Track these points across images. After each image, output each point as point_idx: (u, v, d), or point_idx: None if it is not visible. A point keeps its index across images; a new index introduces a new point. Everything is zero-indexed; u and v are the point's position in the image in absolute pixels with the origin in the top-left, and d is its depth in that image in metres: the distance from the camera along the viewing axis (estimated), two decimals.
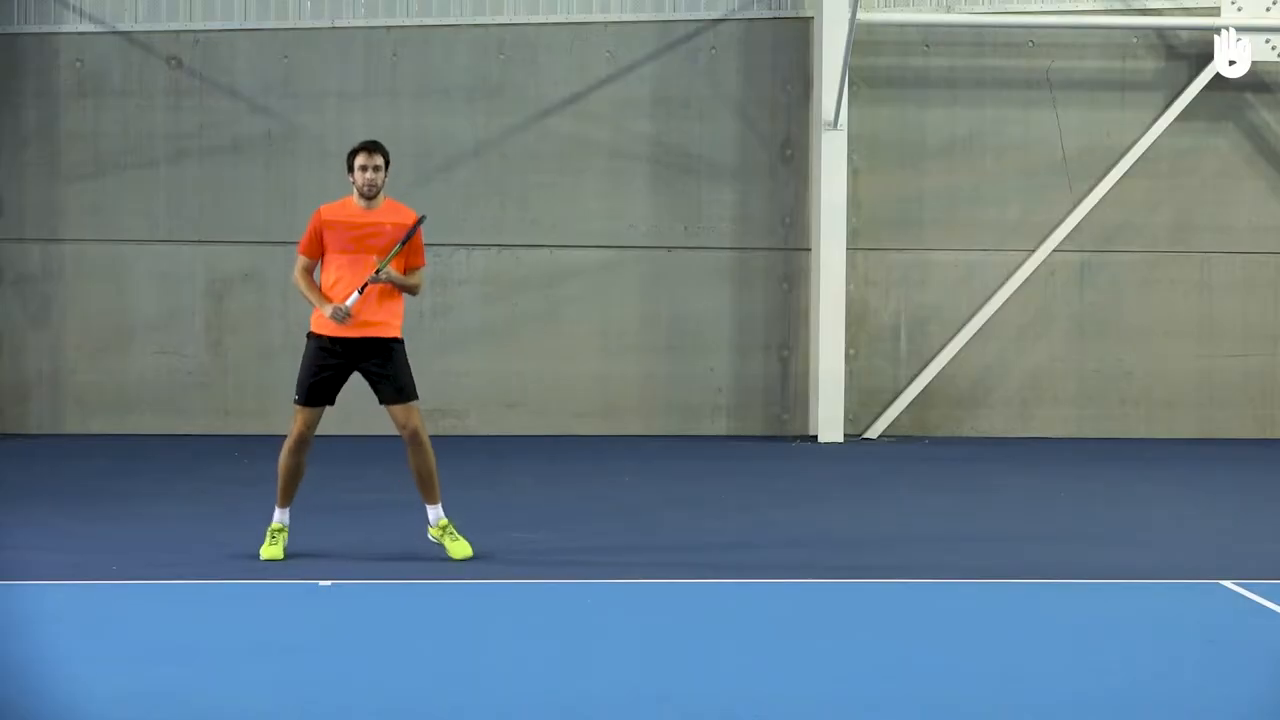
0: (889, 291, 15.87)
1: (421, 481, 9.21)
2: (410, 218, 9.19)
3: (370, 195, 9.13)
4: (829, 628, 7.67)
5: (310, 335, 9.22)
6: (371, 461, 13.41)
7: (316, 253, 9.20)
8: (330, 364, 9.12)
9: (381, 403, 9.23)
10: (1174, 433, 16.03)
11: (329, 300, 9.06)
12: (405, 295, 9.25)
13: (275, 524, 9.20)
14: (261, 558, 9.05)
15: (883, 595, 8.44)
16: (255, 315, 15.44)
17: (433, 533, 9.26)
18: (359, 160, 9.13)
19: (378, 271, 9.01)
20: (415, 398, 9.21)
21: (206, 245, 15.41)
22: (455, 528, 9.25)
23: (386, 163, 9.20)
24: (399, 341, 9.21)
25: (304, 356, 9.23)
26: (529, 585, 8.49)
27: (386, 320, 9.16)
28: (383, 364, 9.14)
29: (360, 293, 9.01)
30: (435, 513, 9.25)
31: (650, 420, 15.71)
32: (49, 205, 15.32)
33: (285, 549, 9.15)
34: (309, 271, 9.25)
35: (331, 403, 9.24)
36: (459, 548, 9.16)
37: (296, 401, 9.16)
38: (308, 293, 9.17)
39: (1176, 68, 15.94)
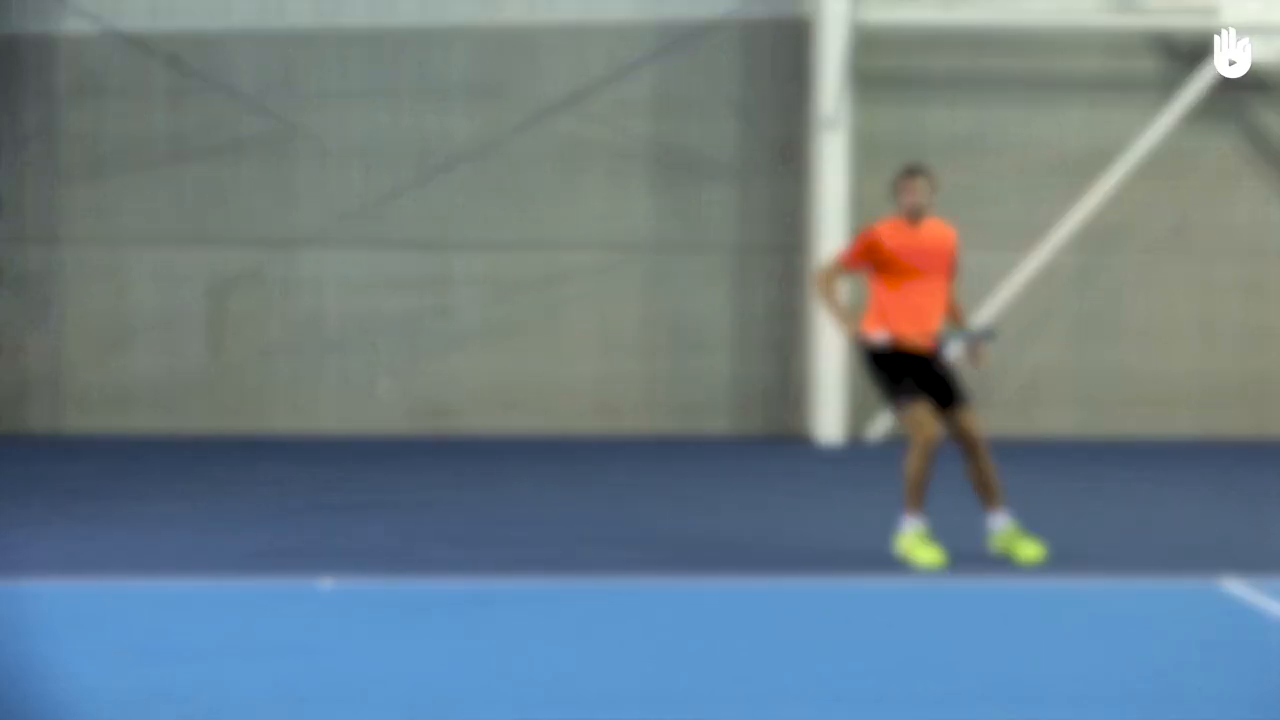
0: None
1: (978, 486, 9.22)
2: (951, 237, 9.33)
3: (915, 218, 9.28)
4: (829, 627, 7.67)
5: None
6: (371, 461, 13.41)
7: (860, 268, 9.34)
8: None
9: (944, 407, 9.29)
10: (1174, 433, 16.02)
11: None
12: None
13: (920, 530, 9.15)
14: (923, 563, 8.91)
15: (882, 595, 8.44)
16: (255, 316, 15.43)
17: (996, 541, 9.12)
18: (903, 184, 9.32)
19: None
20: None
21: (207, 245, 15.41)
22: (1022, 529, 9.13)
23: (931, 185, 9.34)
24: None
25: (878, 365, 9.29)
26: (528, 585, 8.49)
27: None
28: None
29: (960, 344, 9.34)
30: (994, 520, 9.16)
31: (650, 420, 15.71)
32: (49, 205, 15.32)
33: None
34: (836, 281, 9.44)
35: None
36: (1026, 550, 9.01)
37: (904, 402, 9.23)
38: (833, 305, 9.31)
39: (1176, 68, 15.94)
